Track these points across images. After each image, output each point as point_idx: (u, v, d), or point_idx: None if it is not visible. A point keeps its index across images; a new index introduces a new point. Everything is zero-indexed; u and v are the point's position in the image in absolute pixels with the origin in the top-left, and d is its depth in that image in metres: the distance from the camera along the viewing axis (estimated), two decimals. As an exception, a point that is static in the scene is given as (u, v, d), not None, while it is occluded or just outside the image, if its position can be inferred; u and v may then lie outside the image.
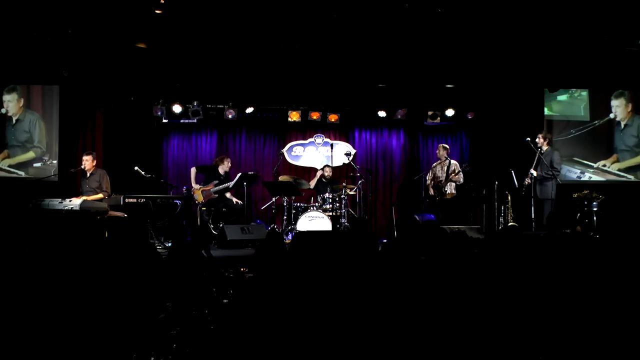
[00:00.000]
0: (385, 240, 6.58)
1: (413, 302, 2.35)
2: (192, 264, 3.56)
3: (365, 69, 8.32)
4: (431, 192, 8.46)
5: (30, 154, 8.36)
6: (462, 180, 8.31)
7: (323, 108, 9.06)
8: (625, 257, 3.00)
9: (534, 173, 7.44)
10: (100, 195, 6.80)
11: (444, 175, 8.21)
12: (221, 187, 7.94)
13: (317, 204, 8.14)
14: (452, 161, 8.35)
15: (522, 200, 7.75)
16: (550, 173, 7.38)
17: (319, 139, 9.53)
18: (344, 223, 7.93)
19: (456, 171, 8.19)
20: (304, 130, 9.55)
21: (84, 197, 6.65)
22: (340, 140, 9.60)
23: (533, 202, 7.46)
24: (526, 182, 7.48)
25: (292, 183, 8.15)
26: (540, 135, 7.60)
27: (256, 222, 8.54)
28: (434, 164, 8.63)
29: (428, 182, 8.61)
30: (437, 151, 8.55)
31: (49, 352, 2.14)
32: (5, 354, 2.11)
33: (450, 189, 8.23)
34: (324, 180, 8.59)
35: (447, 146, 8.53)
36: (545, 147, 7.54)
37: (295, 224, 7.74)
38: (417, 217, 7.80)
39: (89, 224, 6.30)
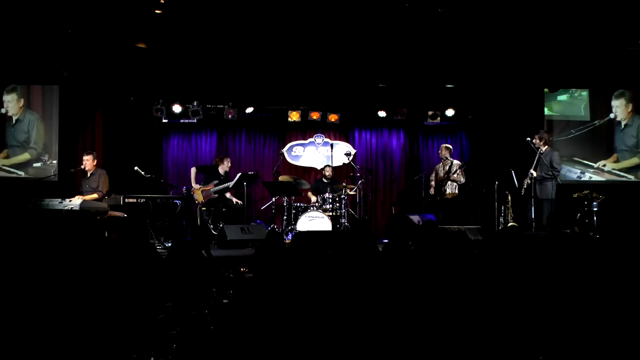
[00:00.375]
0: (385, 241, 6.58)
1: (412, 302, 2.35)
2: (192, 264, 3.56)
3: (365, 69, 8.32)
4: (431, 191, 8.46)
5: (26, 155, 8.35)
6: (463, 179, 8.29)
7: (323, 108, 9.06)
8: (625, 257, 3.00)
9: (534, 173, 7.44)
10: (95, 195, 6.79)
11: (445, 174, 8.21)
12: (221, 187, 7.94)
13: (317, 204, 8.14)
14: (455, 161, 8.34)
15: (522, 201, 7.76)
16: (550, 173, 7.39)
17: (319, 139, 9.53)
18: (344, 223, 7.93)
19: (453, 170, 8.17)
20: (304, 130, 9.54)
21: (81, 197, 6.64)
22: (340, 140, 9.59)
23: (533, 202, 7.46)
24: (526, 183, 7.48)
25: (292, 183, 8.15)
26: (536, 137, 7.59)
27: (256, 222, 8.53)
28: (438, 164, 8.60)
29: (432, 182, 8.59)
30: (440, 151, 8.50)
31: (49, 352, 2.14)
32: (5, 354, 2.10)
33: (451, 188, 8.22)
34: (324, 180, 8.59)
35: (450, 146, 8.50)
36: (544, 148, 7.54)
37: (295, 224, 7.74)
38: (417, 216, 7.79)
39: (89, 224, 6.30)
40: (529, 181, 7.45)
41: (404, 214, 8.29)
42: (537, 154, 7.46)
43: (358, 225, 6.89)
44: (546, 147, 7.59)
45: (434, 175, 8.57)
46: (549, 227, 7.06)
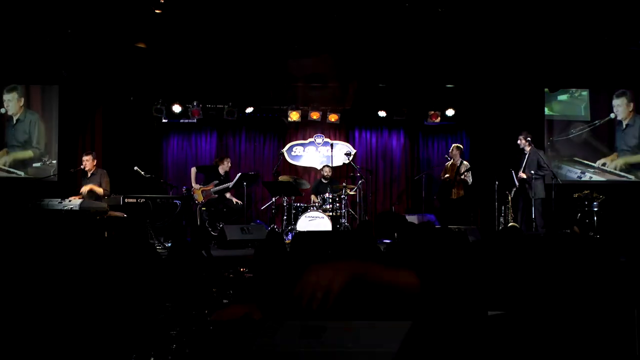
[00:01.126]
0: (385, 241, 6.58)
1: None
2: (192, 264, 3.55)
3: (365, 69, 8.32)
4: (444, 177, 8.38)
5: (29, 153, 8.36)
6: (470, 179, 8.27)
7: (323, 108, 9.06)
8: (625, 257, 2.99)
9: (522, 175, 7.47)
10: (100, 190, 6.85)
11: (454, 174, 8.19)
12: (221, 187, 7.93)
13: (317, 204, 8.14)
14: (464, 162, 8.33)
15: (516, 203, 7.79)
16: (542, 173, 7.43)
17: (319, 139, 9.53)
18: (344, 223, 7.92)
19: (462, 171, 8.15)
20: (304, 130, 9.55)
21: (90, 186, 6.72)
22: (340, 140, 9.60)
23: (525, 202, 7.50)
24: (515, 186, 7.53)
25: (292, 183, 8.14)
26: (521, 137, 7.61)
27: (256, 222, 8.53)
28: (448, 162, 8.53)
29: (443, 176, 8.52)
30: (450, 151, 8.44)
31: (48, 352, 2.14)
32: (5, 354, 2.10)
33: (457, 189, 8.20)
34: (323, 180, 8.58)
35: (461, 146, 8.46)
36: (527, 148, 7.56)
37: (295, 224, 7.73)
38: (417, 216, 7.78)
39: (89, 224, 6.29)
40: (517, 183, 7.49)
41: (396, 212, 8.29)
42: (523, 155, 7.53)
43: (359, 227, 6.87)
44: (530, 147, 7.60)
45: (443, 171, 8.51)
46: (548, 227, 7.08)
